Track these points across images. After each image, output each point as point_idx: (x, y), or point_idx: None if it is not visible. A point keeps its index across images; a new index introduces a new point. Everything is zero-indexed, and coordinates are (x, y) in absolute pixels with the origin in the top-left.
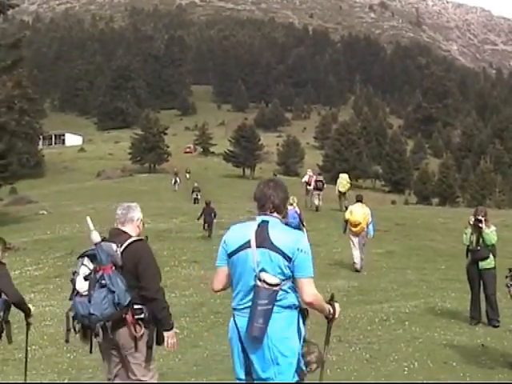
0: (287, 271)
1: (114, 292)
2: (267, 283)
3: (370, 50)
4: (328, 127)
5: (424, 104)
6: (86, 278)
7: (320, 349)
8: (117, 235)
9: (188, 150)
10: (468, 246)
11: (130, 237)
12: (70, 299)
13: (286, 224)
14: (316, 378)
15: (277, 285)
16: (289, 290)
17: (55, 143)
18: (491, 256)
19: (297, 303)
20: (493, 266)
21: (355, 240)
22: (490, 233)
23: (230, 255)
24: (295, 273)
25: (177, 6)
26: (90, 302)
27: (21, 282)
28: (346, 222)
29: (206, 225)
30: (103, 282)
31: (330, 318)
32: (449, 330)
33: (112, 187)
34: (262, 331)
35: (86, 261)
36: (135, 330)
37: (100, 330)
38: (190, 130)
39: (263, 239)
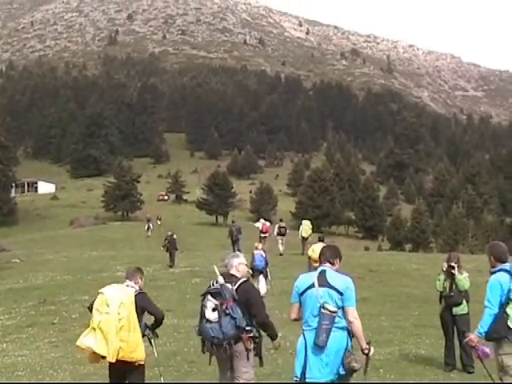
0: (340, 303)
1: (235, 318)
2: (329, 310)
3: (342, 97)
4: (301, 174)
5: (396, 150)
6: (213, 310)
7: (357, 359)
8: (228, 277)
9: (161, 197)
10: (441, 292)
11: (238, 278)
12: (198, 325)
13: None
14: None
15: (335, 312)
16: (341, 317)
17: (28, 191)
18: (464, 302)
19: (347, 326)
20: (466, 311)
21: None
22: (463, 278)
23: (301, 294)
24: (345, 303)
25: (149, 53)
26: (220, 326)
27: None
28: (309, 258)
29: (169, 254)
30: (227, 311)
31: (366, 354)
32: (424, 377)
33: (85, 235)
34: (324, 342)
35: (210, 297)
36: (249, 344)
37: (227, 346)
38: (163, 178)
39: (323, 281)
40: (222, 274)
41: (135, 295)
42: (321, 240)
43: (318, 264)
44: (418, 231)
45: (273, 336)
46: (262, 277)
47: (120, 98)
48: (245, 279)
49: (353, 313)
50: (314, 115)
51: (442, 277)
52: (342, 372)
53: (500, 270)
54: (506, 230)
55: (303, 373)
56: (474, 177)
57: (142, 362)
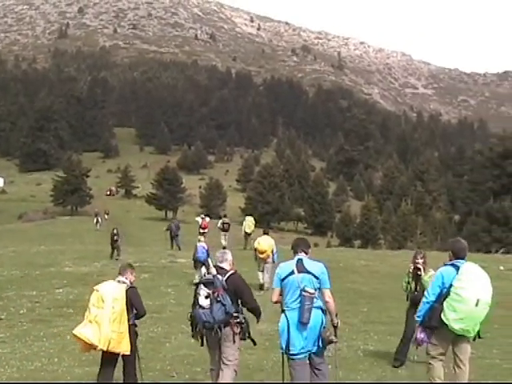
0: (316, 285)
1: (225, 305)
2: (309, 293)
3: (293, 93)
4: (250, 170)
5: (346, 147)
6: (206, 297)
7: (331, 334)
8: (218, 269)
9: (110, 192)
10: (406, 290)
11: (227, 271)
12: (190, 311)
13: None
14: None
15: (314, 293)
16: (318, 298)
17: None
18: None
19: (322, 306)
20: None
21: (262, 265)
22: (428, 278)
23: (283, 280)
24: (321, 285)
25: (100, 47)
26: (211, 311)
27: None
28: (255, 250)
29: (112, 248)
30: (218, 299)
31: (336, 326)
32: (372, 373)
33: (34, 230)
34: (308, 319)
35: (203, 286)
36: (235, 329)
37: (218, 329)
38: (112, 173)
39: (301, 268)
40: (214, 266)
41: (126, 290)
42: (265, 233)
43: (263, 255)
44: (366, 228)
45: (258, 318)
46: (203, 268)
47: (70, 91)
48: (233, 271)
49: (328, 293)
50: (264, 111)
51: (407, 279)
52: (320, 344)
53: (451, 265)
54: (455, 227)
55: (287, 346)
56: (423, 174)
57: (128, 353)
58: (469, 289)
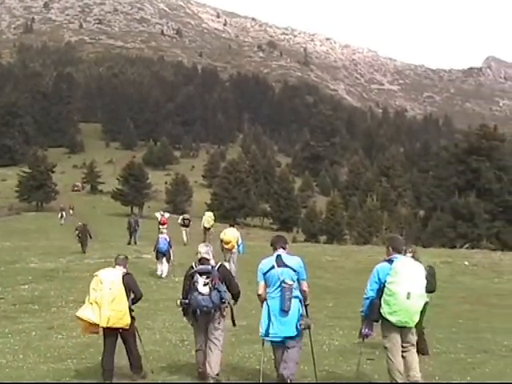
0: (294, 277)
1: (220, 292)
2: (288, 284)
3: (259, 89)
4: (216, 165)
5: (312, 142)
6: (204, 285)
7: (306, 320)
8: (206, 261)
9: (75, 188)
10: None
11: (215, 262)
12: (186, 298)
13: (287, 253)
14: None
15: (292, 284)
16: (296, 288)
17: None
18: None
19: (299, 295)
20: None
21: (227, 255)
22: None
23: (265, 274)
24: (299, 277)
25: (66, 43)
26: (210, 297)
27: None
28: (221, 241)
29: (81, 244)
30: (216, 286)
31: (307, 305)
32: (337, 368)
33: None
34: (289, 307)
35: (199, 275)
36: (224, 312)
37: (214, 312)
38: (78, 168)
39: (281, 263)
40: (199, 259)
41: (123, 275)
42: (231, 225)
43: (228, 245)
44: (332, 223)
45: (237, 300)
46: (164, 260)
47: (35, 87)
48: (221, 263)
49: (305, 284)
50: (230, 107)
51: None
52: (299, 328)
53: (387, 261)
54: (420, 223)
55: (267, 330)
56: (389, 170)
57: (128, 327)
58: (399, 283)
